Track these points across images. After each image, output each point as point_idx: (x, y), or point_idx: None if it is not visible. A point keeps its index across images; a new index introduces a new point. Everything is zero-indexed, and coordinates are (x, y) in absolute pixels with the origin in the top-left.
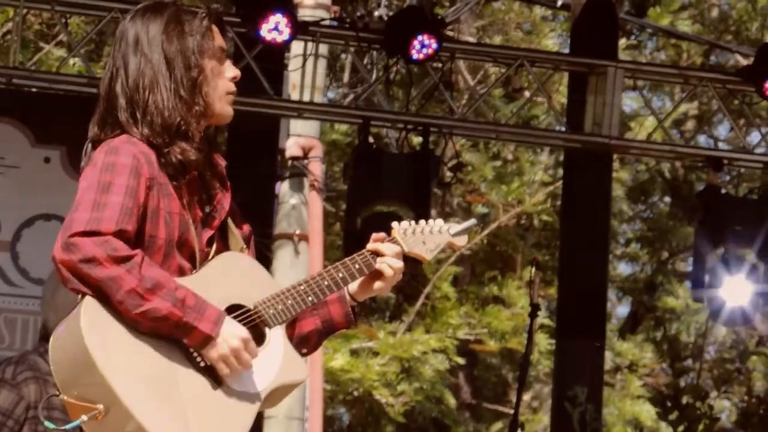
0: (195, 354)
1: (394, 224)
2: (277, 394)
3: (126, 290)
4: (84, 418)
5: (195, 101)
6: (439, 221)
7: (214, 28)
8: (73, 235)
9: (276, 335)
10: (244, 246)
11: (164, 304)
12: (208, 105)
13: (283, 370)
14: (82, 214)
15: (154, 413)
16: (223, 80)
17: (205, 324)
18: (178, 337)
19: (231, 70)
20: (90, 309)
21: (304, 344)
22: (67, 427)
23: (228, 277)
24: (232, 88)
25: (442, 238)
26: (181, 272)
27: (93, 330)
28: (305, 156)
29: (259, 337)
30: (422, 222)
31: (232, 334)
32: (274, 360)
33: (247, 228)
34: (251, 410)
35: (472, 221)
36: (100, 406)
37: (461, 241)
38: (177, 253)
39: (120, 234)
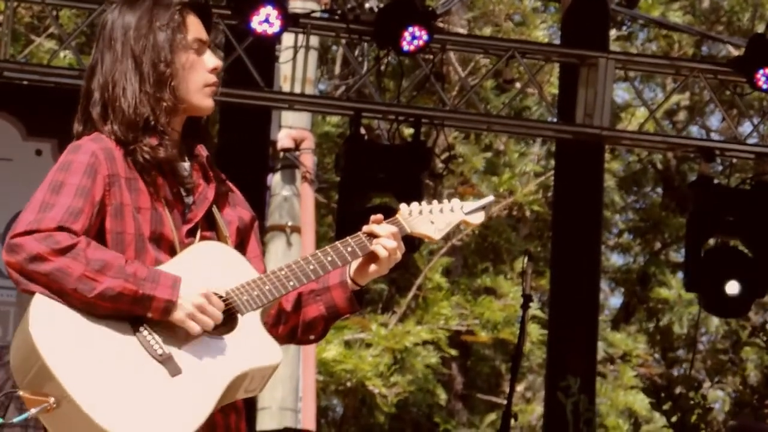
0: (153, 343)
1: (402, 205)
2: (250, 379)
3: (76, 277)
4: (32, 411)
5: (162, 96)
6: (455, 200)
7: (191, 18)
8: (14, 236)
9: (249, 321)
10: (228, 236)
11: (116, 282)
12: (179, 99)
13: (253, 355)
14: (28, 215)
15: (104, 405)
16: (199, 72)
17: (162, 290)
18: (140, 313)
19: (211, 61)
20: (39, 306)
21: (311, 331)
22: (15, 419)
23: (199, 266)
24: (212, 79)
25: (455, 216)
26: (159, 265)
27: (42, 326)
28: (297, 148)
29: (231, 324)
30: (434, 202)
31: (192, 292)
32: (244, 346)
33: (248, 215)
34: (211, 398)
35: (489, 198)
36: (51, 399)
37: (476, 219)
38: (152, 247)
39: (61, 230)
